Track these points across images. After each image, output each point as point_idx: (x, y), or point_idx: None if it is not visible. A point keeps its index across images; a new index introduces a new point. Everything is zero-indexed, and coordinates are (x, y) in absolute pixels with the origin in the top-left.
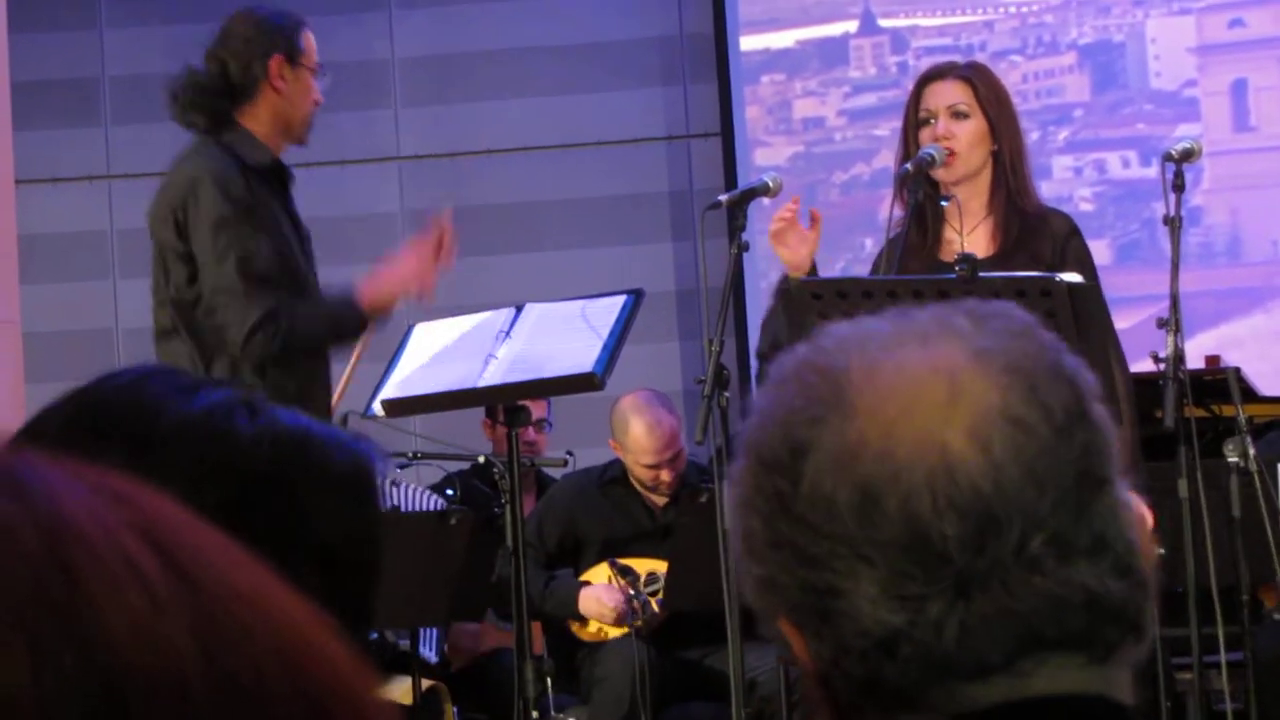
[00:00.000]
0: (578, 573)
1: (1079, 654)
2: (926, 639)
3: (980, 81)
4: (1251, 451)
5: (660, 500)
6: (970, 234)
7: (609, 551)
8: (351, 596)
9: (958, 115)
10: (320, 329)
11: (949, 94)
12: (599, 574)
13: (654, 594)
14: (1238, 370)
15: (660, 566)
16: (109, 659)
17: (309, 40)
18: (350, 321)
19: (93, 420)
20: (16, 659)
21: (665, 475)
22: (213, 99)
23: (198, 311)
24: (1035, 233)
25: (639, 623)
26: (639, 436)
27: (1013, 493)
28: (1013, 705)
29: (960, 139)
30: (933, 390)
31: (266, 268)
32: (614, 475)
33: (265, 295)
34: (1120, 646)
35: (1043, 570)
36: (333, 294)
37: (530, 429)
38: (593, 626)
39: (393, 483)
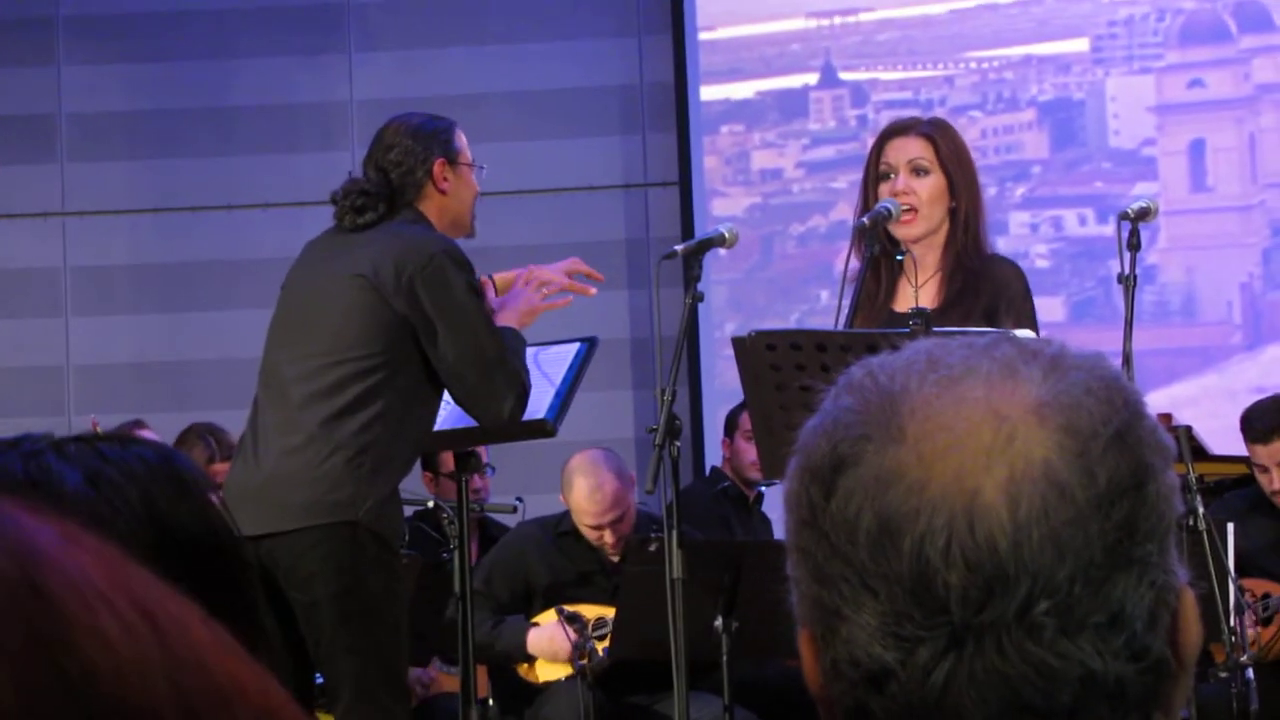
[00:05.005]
0: (528, 619)
1: None
2: (912, 682)
3: (942, 139)
4: (1201, 510)
5: (614, 557)
6: (922, 287)
7: (558, 599)
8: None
9: (918, 171)
10: (526, 370)
11: (910, 150)
12: (548, 619)
13: (601, 638)
14: (1189, 429)
15: (609, 612)
16: (84, 675)
17: (462, 139)
18: (524, 351)
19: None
20: None
21: (609, 537)
22: (379, 201)
23: (404, 377)
24: (973, 288)
25: (584, 659)
26: (580, 498)
27: (1028, 555)
28: None
29: (920, 195)
30: (982, 434)
31: (500, 335)
32: (569, 527)
33: (513, 363)
34: None
35: (1041, 638)
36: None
37: (475, 476)
38: (540, 668)
39: None
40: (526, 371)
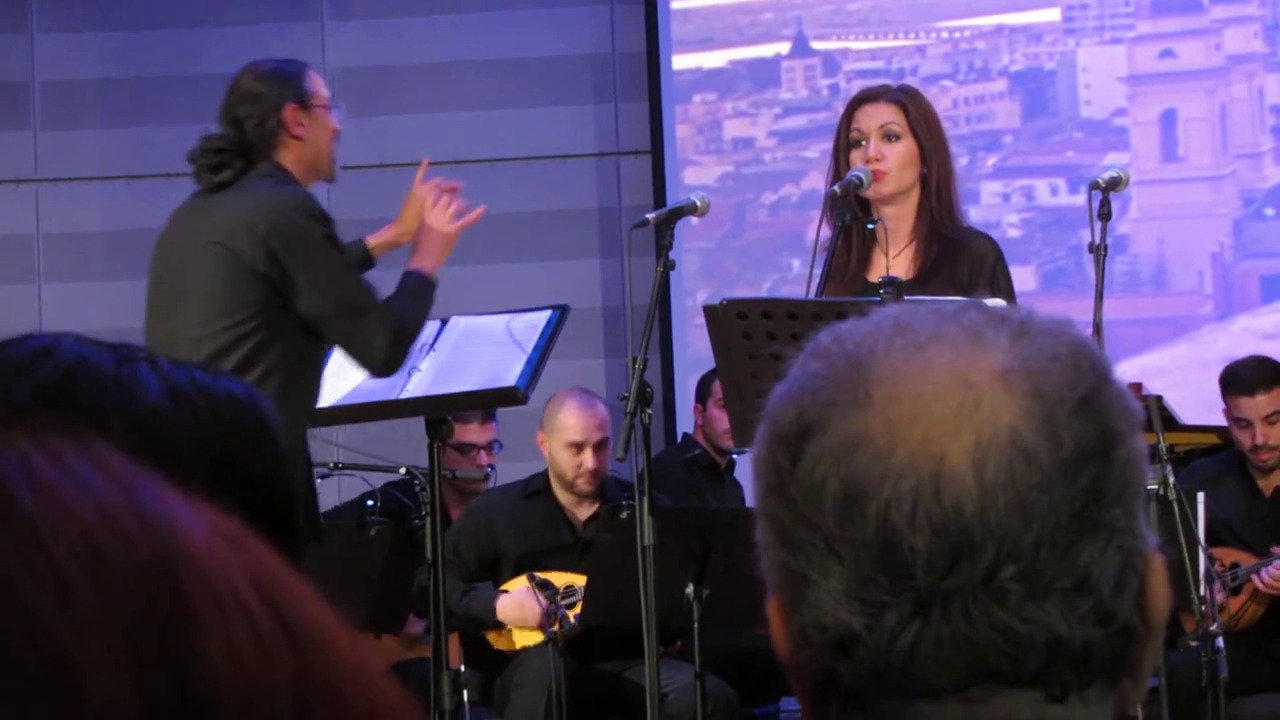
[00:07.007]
0: (496, 586)
1: (1034, 690)
2: (879, 648)
3: (912, 105)
4: (1171, 480)
5: (583, 514)
6: (896, 257)
7: (527, 565)
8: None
9: (889, 137)
10: (420, 313)
11: (881, 115)
12: (517, 585)
13: (571, 606)
14: (1159, 399)
15: (579, 580)
16: (207, 688)
17: (315, 80)
18: (430, 295)
19: (68, 395)
20: (121, 671)
21: (589, 461)
22: (234, 157)
23: (284, 331)
24: (953, 256)
25: (555, 626)
26: (572, 417)
27: (995, 520)
28: None
29: (890, 160)
30: (948, 400)
31: (364, 280)
32: (537, 488)
33: (382, 305)
34: (1083, 689)
35: (1007, 603)
36: (403, 279)
37: (482, 452)
38: (509, 635)
39: None
40: (412, 311)
